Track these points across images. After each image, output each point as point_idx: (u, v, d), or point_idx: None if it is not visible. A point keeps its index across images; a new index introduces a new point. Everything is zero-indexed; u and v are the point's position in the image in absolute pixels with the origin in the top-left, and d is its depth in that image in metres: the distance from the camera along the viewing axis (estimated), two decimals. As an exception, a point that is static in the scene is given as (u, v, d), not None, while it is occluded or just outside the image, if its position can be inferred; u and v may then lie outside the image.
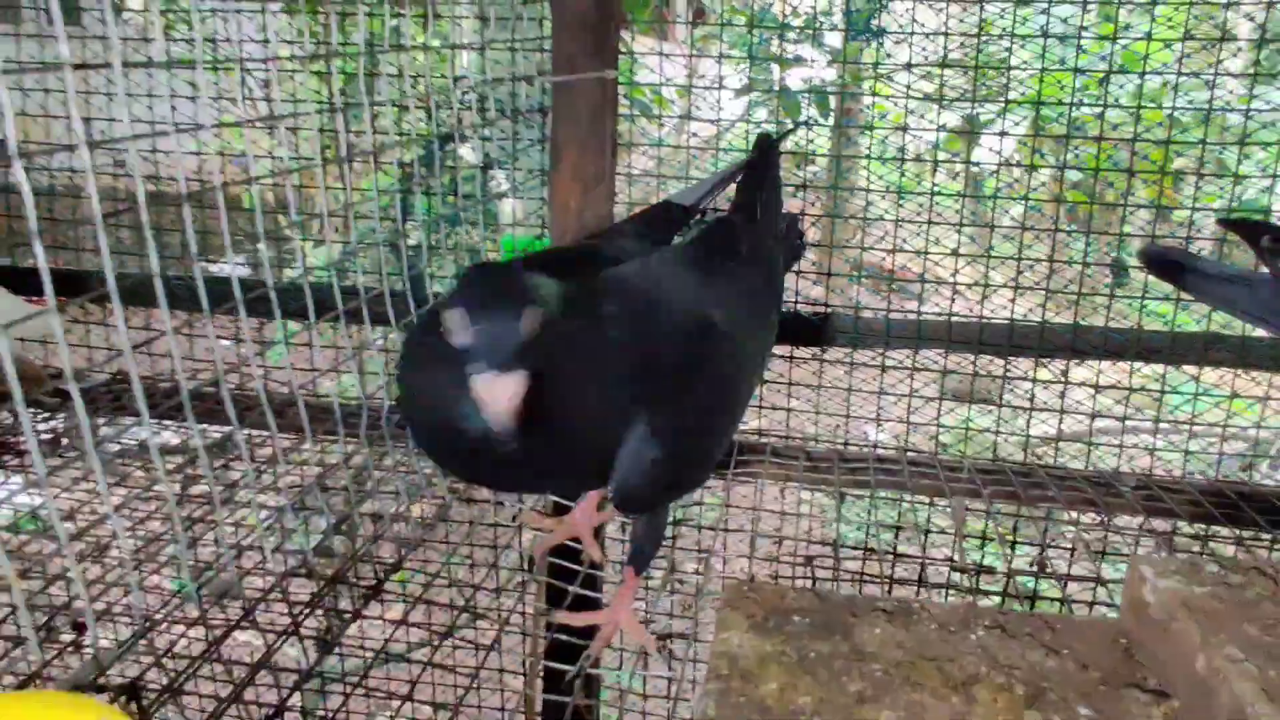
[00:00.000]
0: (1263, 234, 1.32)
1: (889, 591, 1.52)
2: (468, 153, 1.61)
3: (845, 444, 1.63)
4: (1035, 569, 1.36)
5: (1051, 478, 1.47)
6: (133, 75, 1.82)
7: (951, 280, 1.65)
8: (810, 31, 1.90)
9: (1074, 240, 1.74)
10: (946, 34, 1.64)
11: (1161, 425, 1.59)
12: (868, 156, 1.67)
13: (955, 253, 1.59)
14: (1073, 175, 1.69)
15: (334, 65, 1.14)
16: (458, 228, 1.62)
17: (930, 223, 1.62)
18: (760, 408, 1.75)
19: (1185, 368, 1.66)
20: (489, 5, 1.54)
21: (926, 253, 1.62)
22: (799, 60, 2.02)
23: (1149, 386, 1.62)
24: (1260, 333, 1.51)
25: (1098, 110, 1.53)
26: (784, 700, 0.79)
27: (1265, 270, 1.24)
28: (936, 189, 1.66)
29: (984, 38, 1.65)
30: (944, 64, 1.63)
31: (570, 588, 1.18)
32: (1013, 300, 1.59)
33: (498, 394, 0.72)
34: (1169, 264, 1.33)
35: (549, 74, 1.48)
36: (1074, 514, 1.50)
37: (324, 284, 1.13)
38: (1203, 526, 1.47)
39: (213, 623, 0.97)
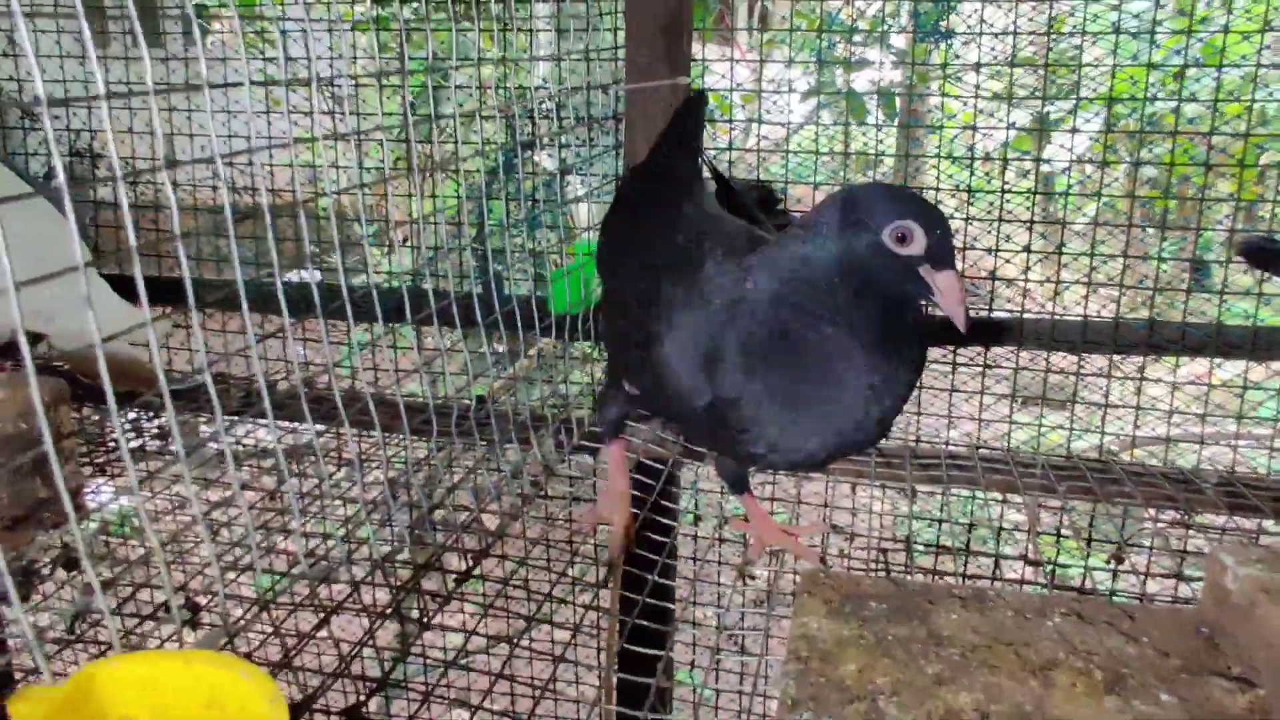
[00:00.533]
0: None
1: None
2: (545, 159, 1.66)
3: (917, 441, 1.64)
4: (1112, 564, 1.35)
5: (1129, 474, 1.46)
6: (215, 94, 1.93)
7: (1023, 278, 1.65)
8: (877, 34, 1.92)
9: (1148, 237, 1.72)
10: (1016, 33, 1.64)
11: (1244, 422, 1.57)
12: (937, 155, 1.68)
13: (1027, 249, 1.59)
14: (1147, 172, 1.67)
15: (406, 81, 1.20)
16: (535, 232, 1.68)
17: (1001, 220, 1.62)
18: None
19: (1273, 364, 1.63)
20: (566, 17, 1.60)
21: (997, 250, 1.62)
22: (865, 63, 2.04)
23: (1231, 384, 1.59)
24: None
25: (1173, 105, 1.52)
26: (862, 680, 0.81)
27: None
28: (1007, 188, 1.66)
29: (1054, 36, 1.64)
30: (1013, 63, 1.63)
31: (648, 576, 1.22)
32: (1085, 297, 1.58)
33: (961, 289, 0.88)
34: (1269, 253, 1.32)
35: (623, 82, 1.53)
36: (1152, 511, 1.48)
37: (397, 289, 1.20)
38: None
39: (316, 606, 1.04)
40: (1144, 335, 1.54)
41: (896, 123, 2.11)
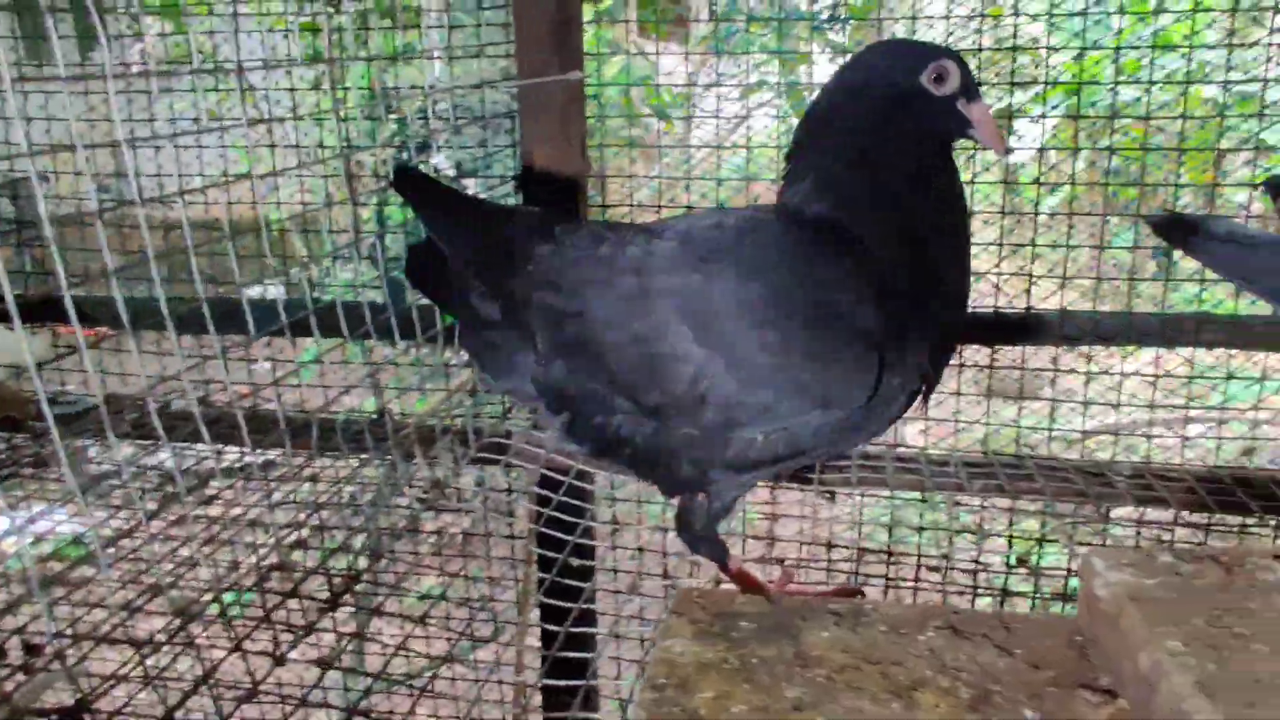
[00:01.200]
0: None
1: (885, 591, 1.50)
2: (441, 161, 1.61)
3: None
4: (1016, 564, 1.32)
5: (1041, 469, 1.43)
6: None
7: (996, 271, 1.58)
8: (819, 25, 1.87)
9: (1114, 227, 1.69)
10: (948, 17, 1.60)
11: (1193, 412, 1.54)
12: None
13: (999, 243, 1.53)
14: (1110, 162, 1.62)
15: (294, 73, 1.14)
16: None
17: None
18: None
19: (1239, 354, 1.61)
20: (456, 12, 1.54)
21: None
22: (805, 56, 1.99)
23: (1176, 374, 1.56)
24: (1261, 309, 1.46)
25: (1135, 94, 1.48)
26: (717, 708, 0.77)
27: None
28: (975, 179, 1.60)
29: (996, 21, 1.60)
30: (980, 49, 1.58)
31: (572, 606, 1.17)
32: (1028, 291, 1.53)
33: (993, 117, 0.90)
34: (1175, 227, 1.27)
35: (514, 79, 1.47)
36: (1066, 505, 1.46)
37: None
38: (1205, 515, 1.42)
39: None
40: (1056, 325, 1.51)
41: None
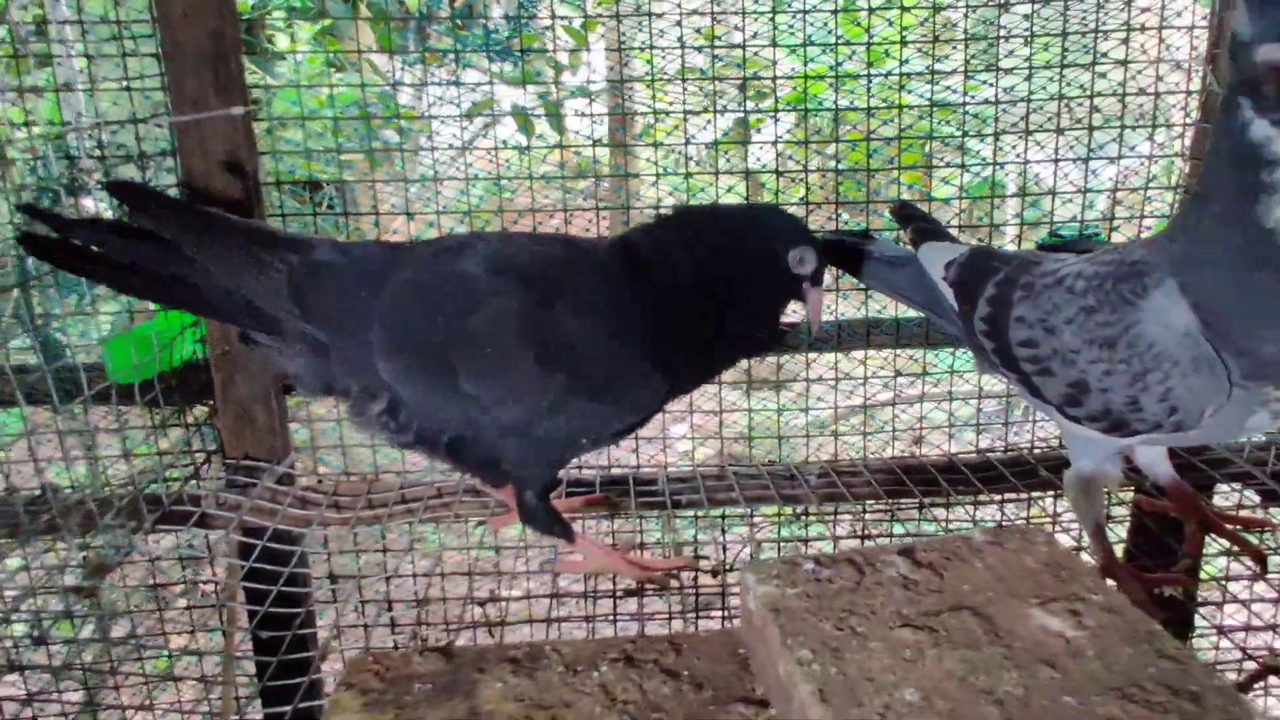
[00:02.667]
0: (915, 219, 1.40)
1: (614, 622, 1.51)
2: (93, 204, 1.45)
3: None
4: (710, 572, 1.38)
5: (739, 476, 1.50)
6: None
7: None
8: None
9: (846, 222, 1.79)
10: (683, 46, 1.63)
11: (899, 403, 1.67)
12: (655, 173, 1.63)
13: None
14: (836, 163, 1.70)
15: None
16: (96, 288, 1.46)
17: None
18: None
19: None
20: (98, 41, 1.39)
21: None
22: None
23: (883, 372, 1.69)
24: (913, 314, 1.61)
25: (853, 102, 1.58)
26: (376, 787, 0.73)
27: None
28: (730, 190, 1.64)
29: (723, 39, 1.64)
30: (716, 77, 1.62)
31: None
32: None
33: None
34: (846, 252, 1.37)
35: (164, 115, 1.35)
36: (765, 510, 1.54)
37: None
38: (884, 505, 1.55)
39: None
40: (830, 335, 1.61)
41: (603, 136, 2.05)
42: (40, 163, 1.43)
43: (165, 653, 1.42)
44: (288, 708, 1.08)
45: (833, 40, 1.54)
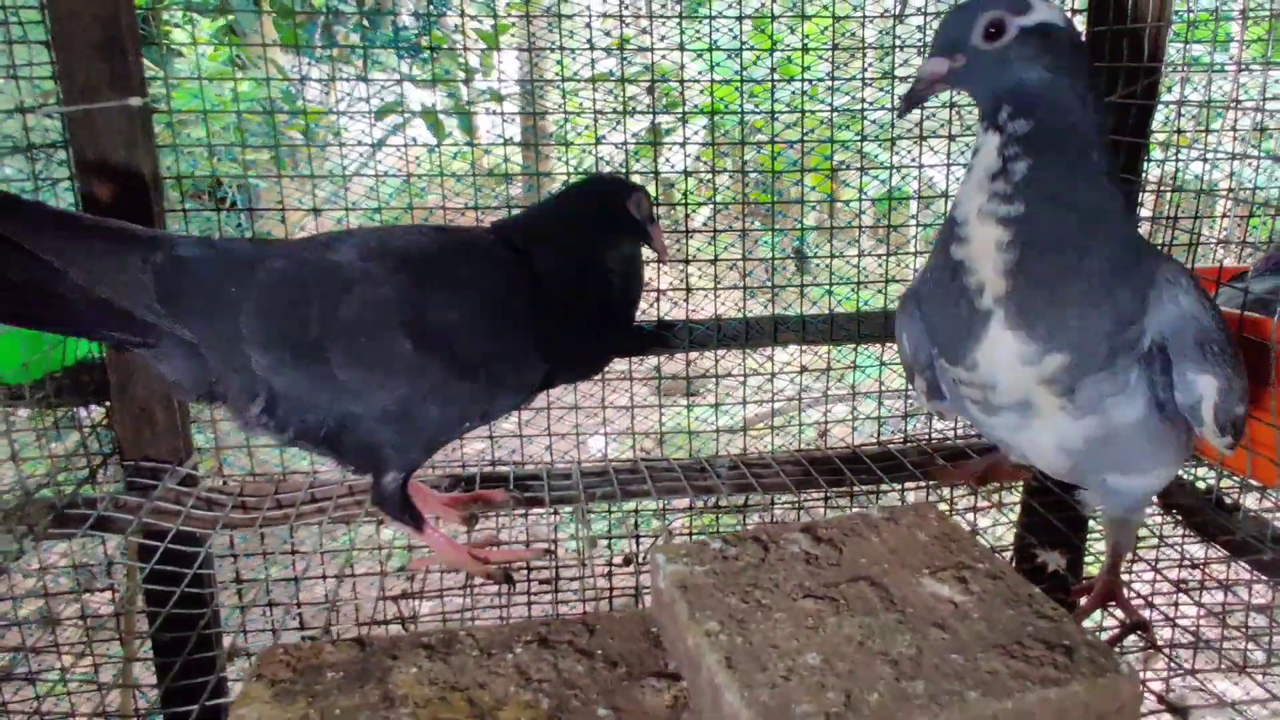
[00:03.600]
0: None
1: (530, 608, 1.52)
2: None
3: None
4: (623, 563, 1.41)
5: (653, 471, 1.53)
6: None
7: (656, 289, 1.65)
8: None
9: (763, 237, 1.83)
10: (593, 47, 1.64)
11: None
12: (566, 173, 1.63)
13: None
14: (752, 176, 1.74)
15: None
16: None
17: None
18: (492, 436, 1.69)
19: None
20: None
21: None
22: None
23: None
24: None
25: (763, 113, 1.62)
26: (288, 772, 0.73)
27: None
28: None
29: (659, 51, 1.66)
30: (625, 79, 1.64)
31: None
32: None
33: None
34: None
35: (54, 106, 1.31)
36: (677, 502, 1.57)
37: None
38: (792, 495, 1.60)
39: None
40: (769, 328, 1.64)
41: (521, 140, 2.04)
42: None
43: (57, 668, 1.36)
44: (193, 706, 1.06)
45: (739, 45, 1.59)
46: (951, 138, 1.66)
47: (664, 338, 1.64)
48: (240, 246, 1.14)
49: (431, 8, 1.67)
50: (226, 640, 1.49)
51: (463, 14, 1.58)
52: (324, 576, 1.57)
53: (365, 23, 2.00)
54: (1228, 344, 0.93)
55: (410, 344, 1.07)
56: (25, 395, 1.32)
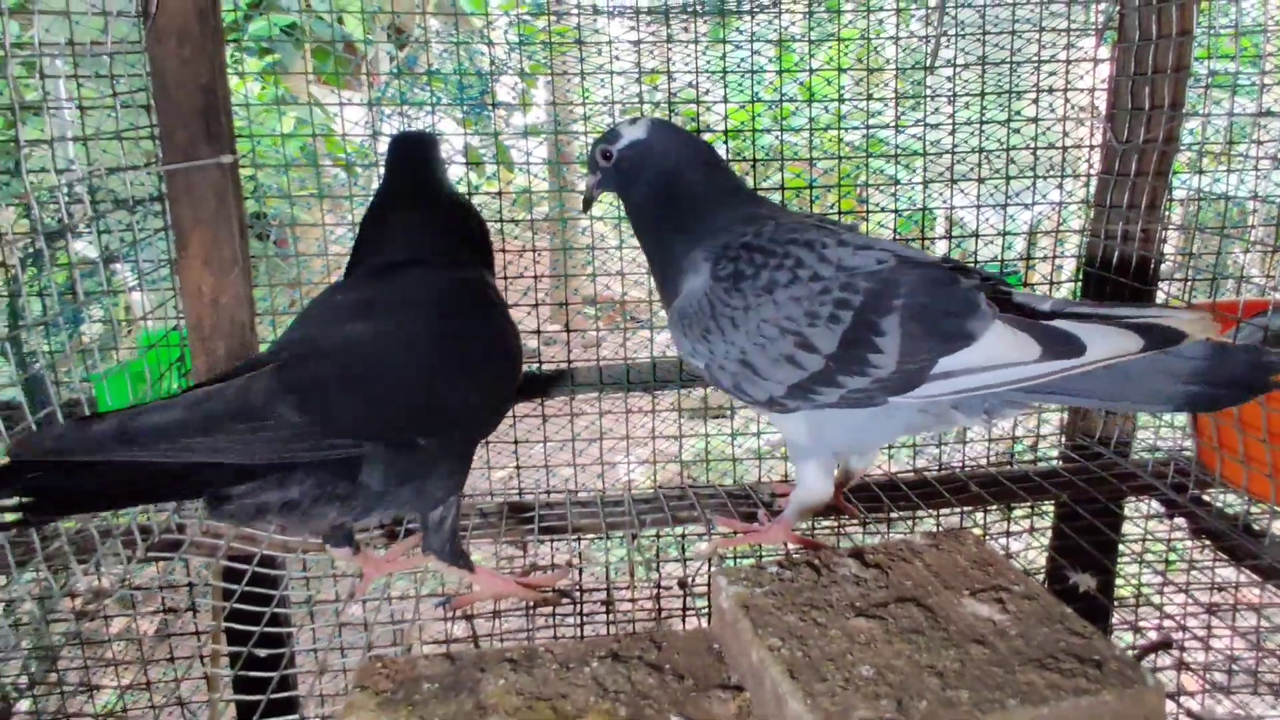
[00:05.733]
0: None
1: (582, 629, 1.61)
2: (84, 247, 1.51)
3: (520, 494, 1.70)
4: (678, 586, 1.49)
5: (700, 497, 1.62)
6: None
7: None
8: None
9: None
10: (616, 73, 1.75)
11: None
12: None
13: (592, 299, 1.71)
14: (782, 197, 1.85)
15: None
16: (80, 327, 1.52)
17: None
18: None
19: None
20: (92, 95, 1.47)
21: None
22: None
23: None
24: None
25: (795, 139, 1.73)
26: (400, 771, 0.82)
27: None
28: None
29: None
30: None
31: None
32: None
33: None
34: None
35: (156, 164, 1.43)
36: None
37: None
38: (832, 521, 1.68)
39: None
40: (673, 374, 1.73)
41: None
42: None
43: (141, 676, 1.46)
44: None
45: (776, 92, 1.70)
46: (980, 180, 1.75)
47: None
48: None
49: (494, 66, 1.79)
50: (299, 659, 1.59)
51: (521, 73, 1.69)
52: (389, 598, 1.67)
53: (407, 72, 2.12)
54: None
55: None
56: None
